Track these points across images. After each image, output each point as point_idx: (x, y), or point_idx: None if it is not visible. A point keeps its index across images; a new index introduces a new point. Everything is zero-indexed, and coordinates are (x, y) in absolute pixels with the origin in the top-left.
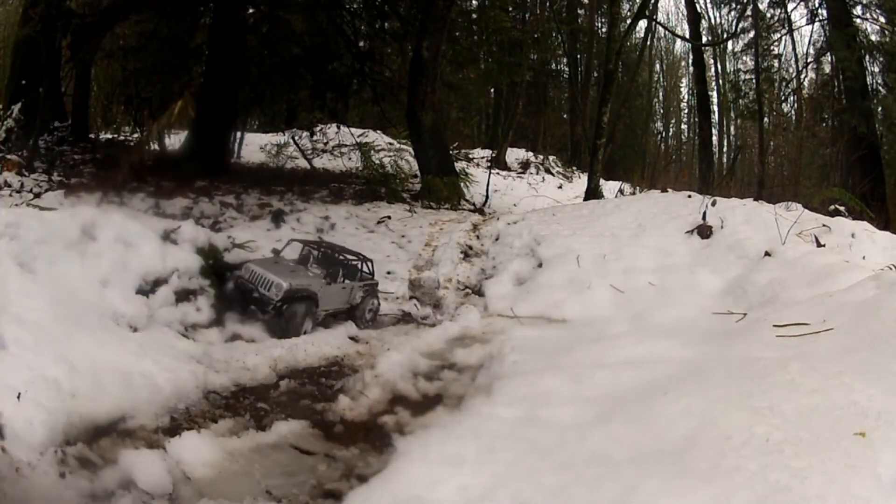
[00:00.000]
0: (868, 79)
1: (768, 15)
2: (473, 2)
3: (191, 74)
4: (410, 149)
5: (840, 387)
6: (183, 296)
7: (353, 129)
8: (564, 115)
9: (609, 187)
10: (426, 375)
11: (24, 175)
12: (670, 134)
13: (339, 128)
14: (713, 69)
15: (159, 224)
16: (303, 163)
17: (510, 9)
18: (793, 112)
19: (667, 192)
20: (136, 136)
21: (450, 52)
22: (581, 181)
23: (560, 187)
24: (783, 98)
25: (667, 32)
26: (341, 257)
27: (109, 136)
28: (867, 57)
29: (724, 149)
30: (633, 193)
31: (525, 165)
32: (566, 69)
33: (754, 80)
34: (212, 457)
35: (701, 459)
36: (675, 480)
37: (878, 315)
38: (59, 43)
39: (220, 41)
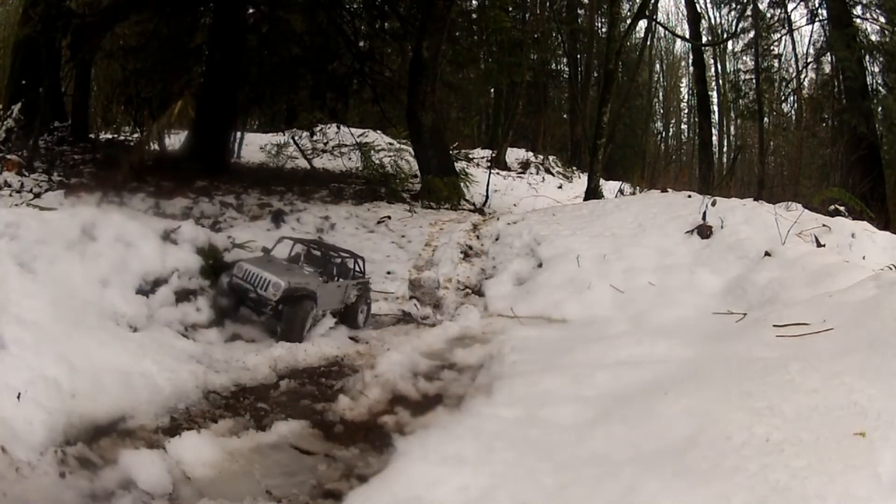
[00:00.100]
0: (868, 79)
1: (768, 15)
2: (473, 2)
3: (191, 74)
4: (410, 149)
5: (840, 387)
6: (183, 296)
7: (353, 129)
8: (564, 115)
9: (609, 187)
10: (426, 375)
11: (24, 175)
12: (670, 134)
13: (339, 128)
14: (713, 69)
15: (159, 224)
16: (303, 163)
17: (510, 9)
18: (793, 112)
19: (667, 192)
20: (136, 136)
21: (450, 52)
22: (581, 181)
23: (560, 187)
24: (783, 98)
25: (667, 32)
26: (333, 255)
27: (109, 136)
28: (867, 57)
29: (724, 149)
30: (633, 193)
31: (525, 165)
32: (566, 69)
33: (754, 80)
34: (212, 457)
35: (701, 459)
36: (676, 480)
37: (878, 315)
38: (59, 43)
39: (220, 41)
